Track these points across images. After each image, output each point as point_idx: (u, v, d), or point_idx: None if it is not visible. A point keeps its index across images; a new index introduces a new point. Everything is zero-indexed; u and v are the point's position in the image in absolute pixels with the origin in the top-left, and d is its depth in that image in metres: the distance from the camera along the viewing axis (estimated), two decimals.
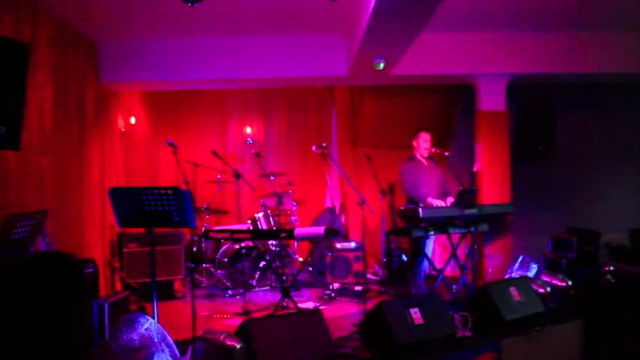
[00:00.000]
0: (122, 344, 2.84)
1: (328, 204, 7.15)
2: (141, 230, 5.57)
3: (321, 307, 4.81)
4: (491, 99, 5.96)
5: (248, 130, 7.42)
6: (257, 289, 6.02)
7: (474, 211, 4.65)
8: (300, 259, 6.49)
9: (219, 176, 6.57)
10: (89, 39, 5.56)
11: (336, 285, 5.85)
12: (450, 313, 3.88)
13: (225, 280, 5.95)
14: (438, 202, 4.96)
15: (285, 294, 4.52)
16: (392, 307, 3.54)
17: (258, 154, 6.43)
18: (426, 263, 5.17)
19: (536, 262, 5.75)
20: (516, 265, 5.77)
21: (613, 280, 5.03)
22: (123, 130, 6.34)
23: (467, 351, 3.56)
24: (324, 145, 5.05)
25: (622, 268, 5.23)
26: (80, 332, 1.35)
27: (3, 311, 1.32)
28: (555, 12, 5.20)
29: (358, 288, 5.78)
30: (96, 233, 5.45)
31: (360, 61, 5.16)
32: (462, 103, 7.03)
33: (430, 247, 5.34)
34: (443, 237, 5.12)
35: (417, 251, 5.17)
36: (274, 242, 6.06)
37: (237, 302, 5.40)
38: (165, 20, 5.21)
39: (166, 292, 5.59)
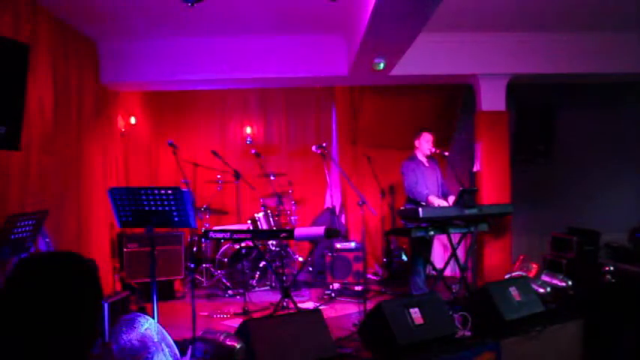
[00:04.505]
0: (122, 344, 2.84)
1: (328, 204, 7.15)
2: (141, 230, 5.57)
3: (321, 307, 4.82)
4: (492, 99, 5.95)
5: (248, 130, 7.42)
6: (257, 289, 6.02)
7: (474, 211, 4.65)
8: (300, 259, 6.49)
9: (219, 176, 6.57)
10: (89, 39, 5.56)
11: (336, 285, 5.85)
12: (450, 313, 3.88)
13: (225, 280, 5.95)
14: (440, 202, 4.96)
15: (285, 294, 4.52)
16: (392, 307, 3.54)
17: (258, 154, 6.43)
18: (425, 263, 5.18)
19: (536, 262, 5.75)
20: (516, 265, 5.78)
21: (613, 280, 5.03)
22: (123, 130, 6.33)
23: (467, 351, 3.56)
24: (324, 145, 5.05)
25: (622, 268, 5.23)
26: (88, 332, 1.36)
27: (16, 309, 1.32)
28: (555, 12, 5.20)
29: (358, 288, 5.78)
30: (96, 233, 5.44)
31: (360, 61, 5.16)
32: (462, 103, 7.03)
33: (431, 247, 5.34)
34: (443, 237, 5.12)
35: (417, 251, 5.17)
36: (274, 242, 6.06)
37: (237, 302, 5.40)
38: (165, 20, 5.20)
39: (166, 292, 5.59)
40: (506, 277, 5.20)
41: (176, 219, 3.29)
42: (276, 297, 5.18)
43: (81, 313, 1.33)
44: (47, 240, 3.78)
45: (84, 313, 1.33)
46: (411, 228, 4.68)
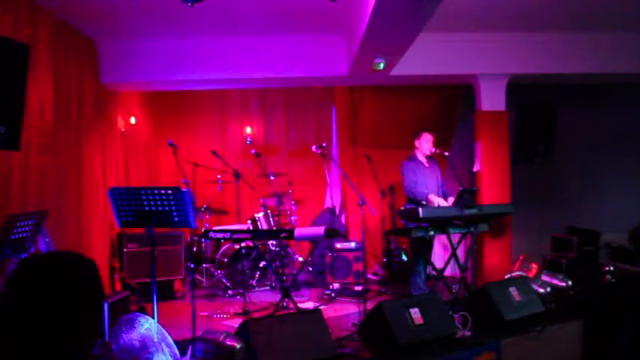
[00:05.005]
0: (122, 344, 2.85)
1: (328, 204, 7.15)
2: (141, 230, 5.56)
3: (321, 307, 4.82)
4: (492, 99, 5.95)
5: (248, 130, 7.42)
6: (257, 289, 6.02)
7: (474, 211, 4.65)
8: (300, 259, 6.49)
9: (219, 176, 6.56)
10: (89, 39, 5.56)
11: (336, 285, 5.85)
12: (450, 313, 3.88)
13: (225, 280, 5.95)
14: (440, 201, 4.96)
15: (285, 294, 4.52)
16: (392, 307, 3.54)
17: (258, 154, 6.43)
18: (426, 264, 5.17)
19: (536, 262, 5.75)
20: (516, 265, 5.78)
21: (613, 280, 5.04)
22: (123, 130, 6.33)
23: (467, 351, 3.56)
24: (324, 145, 5.05)
25: (622, 268, 5.24)
26: (89, 332, 1.35)
27: (18, 309, 1.32)
28: (555, 12, 5.20)
29: (358, 288, 5.78)
30: (96, 233, 5.44)
31: (360, 61, 5.15)
32: (462, 103, 7.03)
33: (432, 247, 5.33)
34: (443, 237, 5.12)
35: (418, 251, 5.17)
36: (274, 242, 6.06)
37: (237, 302, 5.40)
38: (165, 20, 5.20)
39: (166, 292, 5.59)
40: (506, 277, 5.20)
41: (176, 219, 3.29)
42: (276, 297, 5.18)
43: (81, 313, 1.33)
44: (47, 240, 3.78)
45: (84, 314, 1.33)
46: (411, 228, 4.68)
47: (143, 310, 4.43)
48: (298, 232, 4.39)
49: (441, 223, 4.72)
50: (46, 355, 1.31)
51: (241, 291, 5.50)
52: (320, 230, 4.32)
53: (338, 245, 6.00)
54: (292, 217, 6.54)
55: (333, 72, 5.85)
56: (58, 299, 1.32)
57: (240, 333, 3.24)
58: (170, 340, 3.04)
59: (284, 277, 5.69)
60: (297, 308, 4.51)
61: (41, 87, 4.46)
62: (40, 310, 1.30)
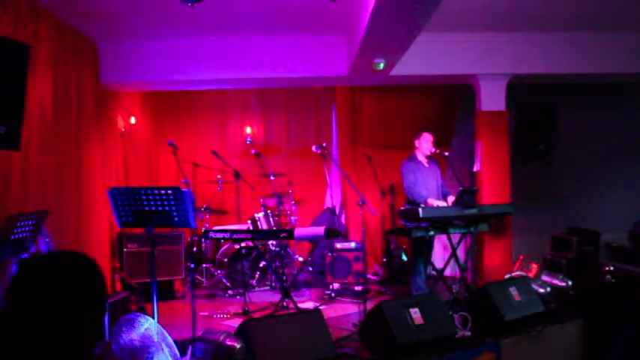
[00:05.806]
0: (122, 344, 2.85)
1: (328, 204, 7.15)
2: (141, 230, 5.57)
3: (321, 307, 4.82)
4: (492, 99, 5.95)
5: (248, 130, 7.42)
6: (257, 289, 6.02)
7: (473, 211, 4.65)
8: (300, 259, 6.49)
9: (219, 176, 6.57)
10: (89, 39, 5.55)
11: (336, 285, 5.85)
12: (450, 313, 3.88)
13: (225, 280, 5.95)
14: (438, 203, 4.96)
15: (285, 294, 4.52)
16: (392, 307, 3.54)
17: (258, 154, 6.42)
18: (426, 263, 5.17)
19: (536, 262, 5.76)
20: (516, 265, 5.78)
21: (613, 280, 5.04)
22: (123, 130, 6.33)
23: (467, 351, 3.56)
24: (324, 145, 5.05)
25: (622, 268, 5.24)
26: (91, 332, 1.36)
27: (21, 309, 1.32)
28: (555, 12, 5.20)
29: (358, 288, 5.78)
30: (96, 233, 5.44)
31: (360, 61, 5.15)
32: (462, 103, 7.03)
33: (432, 247, 5.33)
34: (443, 237, 5.12)
35: (418, 251, 5.17)
36: (274, 242, 6.06)
37: (237, 302, 5.40)
38: (165, 20, 5.20)
39: (166, 292, 5.60)
40: (506, 277, 5.20)
41: (176, 219, 3.29)
42: (276, 297, 5.18)
43: (84, 313, 1.33)
44: (47, 240, 3.79)
45: (87, 313, 1.33)
46: (411, 228, 4.68)
47: (143, 310, 4.44)
48: (298, 232, 4.39)
49: (441, 223, 4.72)
50: (49, 356, 1.31)
51: (241, 291, 5.50)
52: (320, 230, 4.32)
53: (338, 245, 6.00)
54: (292, 217, 6.54)
55: (333, 72, 5.85)
56: (60, 299, 1.32)
57: (240, 333, 3.24)
58: (170, 340, 3.04)
59: (284, 277, 5.69)
60: (297, 308, 4.51)
61: (41, 87, 4.46)
62: (43, 311, 1.30)
